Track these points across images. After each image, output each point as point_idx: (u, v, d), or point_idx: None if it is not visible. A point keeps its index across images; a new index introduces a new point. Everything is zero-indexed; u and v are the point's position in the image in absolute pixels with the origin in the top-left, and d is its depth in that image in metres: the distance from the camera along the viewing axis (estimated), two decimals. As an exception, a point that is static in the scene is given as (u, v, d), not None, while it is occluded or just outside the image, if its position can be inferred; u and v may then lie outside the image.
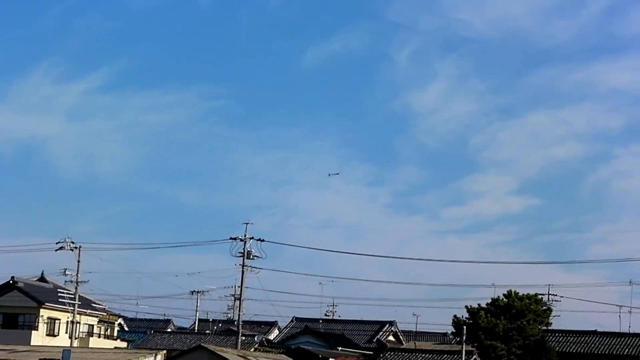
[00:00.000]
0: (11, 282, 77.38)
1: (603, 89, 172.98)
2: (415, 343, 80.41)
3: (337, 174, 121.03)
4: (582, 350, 69.51)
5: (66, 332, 75.55)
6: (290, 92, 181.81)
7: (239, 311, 69.22)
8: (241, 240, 66.51)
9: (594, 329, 73.12)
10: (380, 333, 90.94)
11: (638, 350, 67.51)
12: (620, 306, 79.06)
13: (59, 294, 74.54)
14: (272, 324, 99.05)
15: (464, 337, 63.28)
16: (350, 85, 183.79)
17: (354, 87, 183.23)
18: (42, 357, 57.22)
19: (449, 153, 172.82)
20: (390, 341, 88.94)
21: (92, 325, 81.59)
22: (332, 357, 71.57)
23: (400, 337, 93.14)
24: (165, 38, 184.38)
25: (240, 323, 70.08)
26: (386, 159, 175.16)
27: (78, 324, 75.25)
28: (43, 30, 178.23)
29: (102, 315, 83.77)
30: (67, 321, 75.73)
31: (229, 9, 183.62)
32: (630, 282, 79.99)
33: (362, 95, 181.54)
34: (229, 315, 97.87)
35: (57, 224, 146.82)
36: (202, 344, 61.52)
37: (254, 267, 67.35)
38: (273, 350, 74.28)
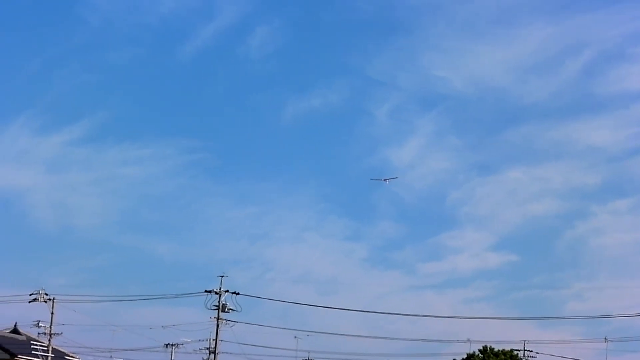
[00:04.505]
0: (-17, 333, 76.79)
1: (580, 147, 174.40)
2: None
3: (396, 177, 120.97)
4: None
5: (39, 385, 74.81)
6: (268, 145, 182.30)
7: (214, 364, 68.92)
8: (216, 293, 66.44)
9: (569, 385, 73.34)
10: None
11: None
12: (596, 363, 79.32)
13: (32, 346, 73.93)
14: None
15: (439, 392, 63.22)
16: (329, 140, 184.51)
17: (333, 142, 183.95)
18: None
19: (427, 208, 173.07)
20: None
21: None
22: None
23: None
24: (143, 91, 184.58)
25: (215, 377, 69.74)
26: (364, 213, 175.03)
27: (51, 377, 74.54)
28: (22, 81, 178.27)
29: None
30: (40, 374, 75.01)
31: (207, 62, 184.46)
32: (605, 338, 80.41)
33: (340, 149, 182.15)
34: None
35: (32, 276, 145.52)
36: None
37: (229, 320, 67.26)
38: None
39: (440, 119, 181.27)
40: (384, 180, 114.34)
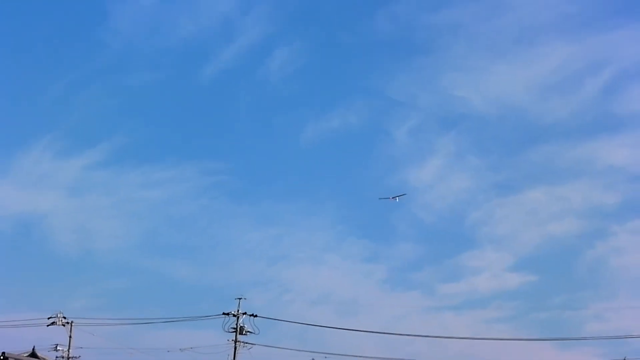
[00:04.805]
0: (2, 357, 76.56)
1: (600, 166, 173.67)
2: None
3: (404, 194, 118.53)
4: None
5: (57, 409, 74.74)
6: (288, 167, 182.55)
7: (232, 387, 68.64)
8: (234, 315, 66.33)
9: (589, 407, 72.79)
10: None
11: None
12: (616, 383, 78.71)
13: (50, 370, 73.98)
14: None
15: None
16: (349, 161, 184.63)
17: (352, 163, 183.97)
18: None
19: (446, 229, 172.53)
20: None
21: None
22: None
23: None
24: (164, 114, 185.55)
25: (233, 400, 69.46)
26: (383, 234, 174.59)
27: (69, 400, 74.52)
28: (44, 105, 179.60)
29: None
30: (58, 397, 74.97)
31: (228, 84, 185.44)
32: (624, 359, 79.71)
33: (360, 170, 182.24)
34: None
35: (52, 299, 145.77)
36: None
37: (247, 343, 67.09)
38: None
39: (460, 138, 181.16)
40: (392, 198, 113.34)
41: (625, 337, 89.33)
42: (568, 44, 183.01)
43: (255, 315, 66.32)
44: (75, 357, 74.07)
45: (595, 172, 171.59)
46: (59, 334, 73.22)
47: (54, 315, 70.92)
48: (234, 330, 66.72)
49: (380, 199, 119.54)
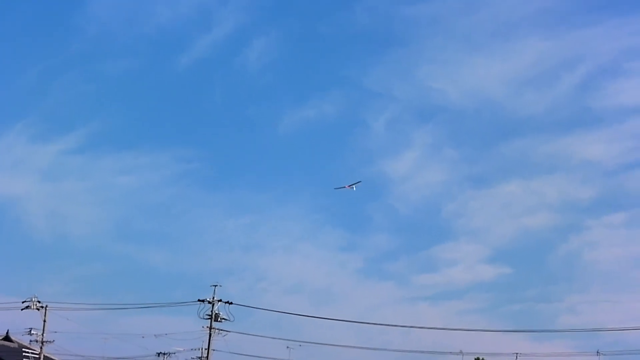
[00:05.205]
0: (-25, 340, 76.67)
1: (575, 161, 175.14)
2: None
3: (359, 182, 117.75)
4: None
5: (30, 392, 74.60)
6: (264, 156, 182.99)
7: (206, 374, 68.79)
8: (209, 302, 66.43)
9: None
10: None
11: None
12: (588, 376, 79.33)
13: (24, 354, 73.79)
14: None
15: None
16: (325, 151, 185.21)
17: (328, 153, 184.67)
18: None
19: (422, 220, 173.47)
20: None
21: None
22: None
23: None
24: (140, 101, 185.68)
25: (207, 386, 69.62)
26: (359, 224, 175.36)
27: (42, 385, 74.40)
28: (20, 90, 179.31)
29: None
30: (32, 381, 74.82)
31: (205, 73, 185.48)
32: (597, 352, 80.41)
33: (336, 160, 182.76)
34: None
35: (26, 283, 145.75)
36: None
37: (222, 330, 67.25)
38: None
39: (436, 131, 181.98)
40: (349, 186, 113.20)
41: (598, 330, 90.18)
42: (544, 39, 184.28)
43: (231, 303, 66.47)
44: (49, 342, 73.93)
45: (571, 166, 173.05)
46: (33, 318, 73.14)
47: (28, 300, 70.70)
48: (209, 317, 66.86)
49: (335, 188, 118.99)
